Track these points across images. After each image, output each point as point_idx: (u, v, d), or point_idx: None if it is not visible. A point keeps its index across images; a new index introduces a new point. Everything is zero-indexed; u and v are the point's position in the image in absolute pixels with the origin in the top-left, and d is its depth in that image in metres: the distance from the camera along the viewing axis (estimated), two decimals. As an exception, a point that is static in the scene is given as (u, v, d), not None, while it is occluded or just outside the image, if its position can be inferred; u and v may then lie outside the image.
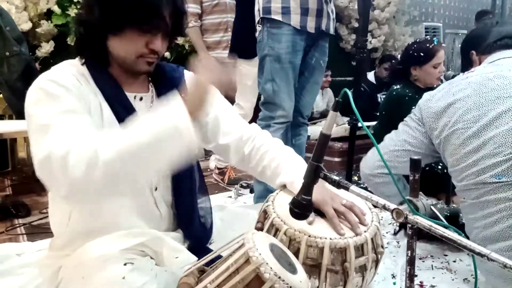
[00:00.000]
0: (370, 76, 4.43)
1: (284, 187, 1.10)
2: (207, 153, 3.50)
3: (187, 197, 1.15)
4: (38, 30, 3.28)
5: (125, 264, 0.85)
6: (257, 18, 2.01)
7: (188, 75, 1.16)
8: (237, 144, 1.17)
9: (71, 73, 0.96)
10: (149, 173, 0.89)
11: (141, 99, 1.06)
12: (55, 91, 0.90)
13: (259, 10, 1.98)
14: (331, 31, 2.06)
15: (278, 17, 1.91)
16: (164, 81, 1.10)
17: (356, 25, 4.45)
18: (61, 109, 0.89)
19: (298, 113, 2.13)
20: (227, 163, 3.04)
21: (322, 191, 0.99)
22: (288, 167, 1.09)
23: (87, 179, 0.80)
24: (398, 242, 1.88)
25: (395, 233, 2.01)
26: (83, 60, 1.01)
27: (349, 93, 0.79)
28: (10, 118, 2.98)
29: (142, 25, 0.95)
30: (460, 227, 1.09)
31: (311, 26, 1.94)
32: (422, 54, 2.54)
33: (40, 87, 0.91)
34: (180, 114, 0.83)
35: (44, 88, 0.91)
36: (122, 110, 0.99)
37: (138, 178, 0.89)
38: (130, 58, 0.99)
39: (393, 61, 4.36)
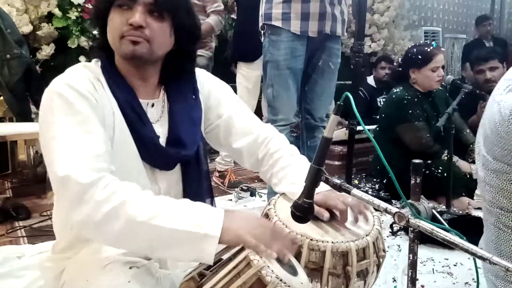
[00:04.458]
0: (370, 80, 4.42)
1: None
2: (210, 156, 3.51)
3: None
4: (38, 32, 3.28)
5: (130, 268, 0.84)
6: (260, 23, 2.04)
7: (201, 74, 1.13)
8: (251, 148, 1.13)
9: (87, 78, 0.94)
10: (157, 253, 0.86)
11: (152, 105, 1.04)
12: (71, 97, 0.89)
13: (262, 16, 2.01)
14: (338, 32, 2.06)
15: (278, 23, 1.95)
16: (175, 86, 1.08)
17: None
18: (77, 120, 0.87)
19: (310, 115, 2.16)
20: (228, 166, 3.03)
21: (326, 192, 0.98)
22: (294, 177, 1.06)
23: (104, 222, 0.79)
24: (399, 246, 1.88)
25: (393, 233, 2.02)
26: (100, 63, 1.00)
27: (351, 96, 0.80)
28: (11, 120, 2.98)
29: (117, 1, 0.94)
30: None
31: (313, 30, 1.96)
32: (420, 57, 2.56)
33: (57, 92, 0.89)
34: (215, 228, 0.81)
35: (61, 94, 0.89)
36: (136, 119, 0.97)
37: (146, 251, 0.86)
38: (116, 42, 0.95)
39: (389, 60, 4.37)
